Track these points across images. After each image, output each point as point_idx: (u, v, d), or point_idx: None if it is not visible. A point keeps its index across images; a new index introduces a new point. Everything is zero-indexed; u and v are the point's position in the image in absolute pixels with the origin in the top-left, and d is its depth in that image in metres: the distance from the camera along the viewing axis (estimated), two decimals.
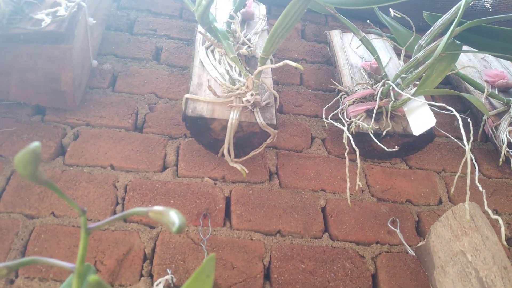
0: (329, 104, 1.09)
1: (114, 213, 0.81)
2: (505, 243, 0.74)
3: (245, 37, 1.05)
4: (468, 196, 0.69)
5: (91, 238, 0.76)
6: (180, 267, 0.74)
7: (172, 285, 0.69)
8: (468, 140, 0.75)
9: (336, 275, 0.80)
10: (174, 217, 0.39)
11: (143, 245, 0.77)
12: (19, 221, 0.76)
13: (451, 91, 0.95)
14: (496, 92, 1.17)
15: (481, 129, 1.13)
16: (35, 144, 0.35)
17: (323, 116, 1.07)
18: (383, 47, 1.28)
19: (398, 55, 1.22)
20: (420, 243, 0.76)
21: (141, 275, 0.74)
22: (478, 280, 0.63)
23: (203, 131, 0.86)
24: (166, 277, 0.67)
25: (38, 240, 0.74)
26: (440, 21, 0.95)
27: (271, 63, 0.98)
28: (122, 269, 0.73)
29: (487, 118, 1.11)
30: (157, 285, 0.65)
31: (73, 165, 0.87)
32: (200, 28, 1.02)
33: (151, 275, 0.74)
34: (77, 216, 0.79)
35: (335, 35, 1.33)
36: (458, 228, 0.70)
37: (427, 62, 0.93)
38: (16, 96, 0.89)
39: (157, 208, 0.42)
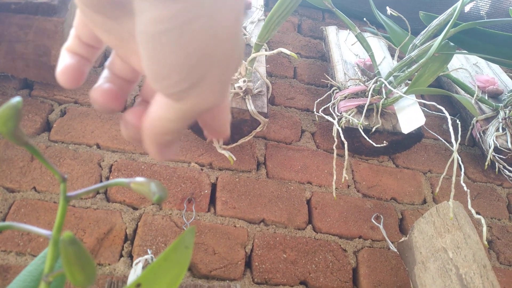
0: (321, 98, 1.09)
1: (98, 192, 0.80)
2: (485, 242, 0.75)
3: None
4: (452, 194, 0.70)
5: (72, 216, 0.75)
6: (161, 249, 0.74)
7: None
8: (456, 139, 0.76)
9: (317, 266, 0.80)
10: (155, 187, 0.39)
11: (125, 225, 0.76)
12: None
13: (443, 91, 0.96)
14: (486, 98, 1.18)
15: (469, 133, 1.14)
16: (16, 99, 0.34)
17: (314, 109, 1.07)
18: (378, 46, 1.29)
19: (392, 55, 1.23)
20: (403, 239, 0.77)
21: (121, 255, 0.73)
22: (458, 276, 0.64)
23: None
24: (146, 256, 0.66)
25: (17, 214, 0.73)
26: (435, 22, 0.96)
27: (266, 51, 0.97)
28: (102, 248, 0.72)
29: (476, 122, 1.12)
30: (136, 263, 0.64)
31: (58, 141, 0.86)
32: None
33: (131, 256, 0.73)
34: (59, 193, 0.77)
35: (331, 31, 1.33)
36: (441, 225, 0.70)
37: (420, 61, 0.93)
38: (4, 68, 0.87)
39: (139, 179, 0.42)
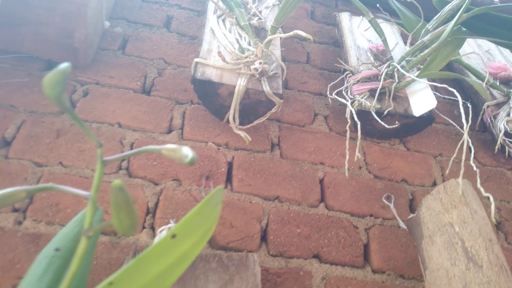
0: (334, 82, 1.11)
1: (120, 168, 0.83)
2: (494, 219, 0.77)
3: (256, 9, 1.07)
4: (462, 172, 0.72)
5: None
6: None
7: None
8: (466, 120, 0.78)
9: (330, 241, 0.83)
10: (187, 151, 0.42)
11: (147, 199, 0.80)
12: (28, 168, 0.79)
13: (455, 74, 0.97)
14: (498, 84, 1.19)
15: (479, 118, 1.16)
16: (65, 64, 0.37)
17: (328, 93, 1.09)
18: (390, 32, 1.30)
19: (405, 42, 1.24)
20: (411, 215, 0.79)
21: (143, 227, 0.77)
22: (463, 249, 0.66)
23: (211, 96, 0.89)
24: (169, 225, 0.70)
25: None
26: (448, 7, 0.97)
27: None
28: None
29: (487, 107, 1.13)
30: (160, 231, 0.68)
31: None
32: None
33: (152, 228, 0.77)
34: (84, 167, 0.81)
35: (344, 17, 1.34)
36: (448, 201, 0.73)
37: (432, 46, 0.95)
38: (29, 49, 0.91)
39: (170, 146, 0.45)
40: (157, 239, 0.67)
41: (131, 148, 0.87)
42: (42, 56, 0.93)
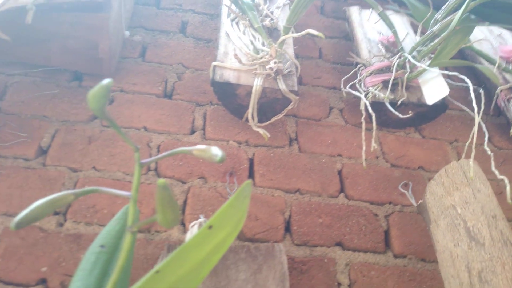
0: (347, 75, 1.14)
1: (149, 169, 0.89)
2: (510, 200, 0.80)
3: (268, 10, 1.11)
4: (473, 154, 0.75)
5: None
6: (210, 216, 0.82)
7: None
8: (478, 106, 0.80)
9: (351, 229, 0.87)
10: (216, 150, 0.46)
11: (176, 197, 0.85)
12: (64, 173, 0.85)
13: (465, 62, 1.00)
14: (510, 68, 1.21)
15: (493, 102, 1.18)
16: (108, 80, 0.42)
17: (342, 86, 1.12)
18: (400, 23, 1.32)
19: (415, 31, 1.26)
20: (420, 201, 0.82)
21: None
22: (466, 229, 0.69)
23: (229, 97, 0.93)
24: (199, 220, 0.75)
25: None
26: None
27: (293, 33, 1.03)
28: None
29: (500, 92, 1.15)
30: (192, 226, 0.73)
31: (110, 126, 0.95)
32: (225, 1, 1.08)
33: (183, 224, 0.82)
34: (116, 171, 0.87)
35: (354, 11, 1.37)
36: (450, 184, 0.76)
37: (442, 35, 0.97)
38: (57, 62, 0.97)
39: (200, 146, 0.49)
40: (188, 234, 0.72)
41: (158, 150, 0.92)
42: (69, 68, 0.99)
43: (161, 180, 0.37)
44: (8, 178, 0.82)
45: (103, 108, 0.44)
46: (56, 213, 0.80)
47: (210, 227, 0.41)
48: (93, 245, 0.56)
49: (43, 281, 0.72)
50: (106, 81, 0.42)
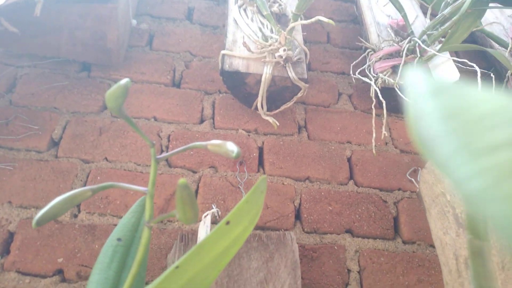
0: (356, 61, 1.13)
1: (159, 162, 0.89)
2: None
3: None
4: None
5: (141, 180, 0.85)
6: (221, 206, 0.83)
7: (218, 217, 0.78)
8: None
9: (361, 216, 0.88)
10: (232, 146, 0.47)
11: None
12: (77, 165, 0.86)
13: (476, 46, 0.98)
14: None
15: (504, 85, 1.16)
16: (126, 80, 0.42)
17: (351, 72, 1.11)
18: (410, 5, 1.30)
19: (425, 13, 1.24)
20: (417, 190, 0.83)
21: None
22: (454, 216, 0.69)
23: (239, 85, 0.93)
24: (212, 210, 0.76)
25: (94, 181, 0.84)
26: None
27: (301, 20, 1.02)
28: (170, 207, 0.82)
29: (510, 75, 1.14)
30: (205, 216, 0.74)
31: (120, 116, 0.95)
32: None
33: (195, 199, 0.83)
34: (127, 161, 0.88)
35: None
36: (440, 172, 0.76)
37: (453, 19, 0.96)
38: (66, 53, 0.97)
39: (215, 141, 0.50)
40: (201, 224, 0.73)
41: (169, 140, 0.93)
42: (78, 59, 0.99)
43: (182, 180, 0.38)
44: (22, 171, 0.83)
45: (120, 107, 0.44)
46: None
47: (227, 222, 0.42)
48: (110, 239, 0.57)
49: (60, 271, 0.74)
50: (124, 81, 0.43)
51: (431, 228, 0.75)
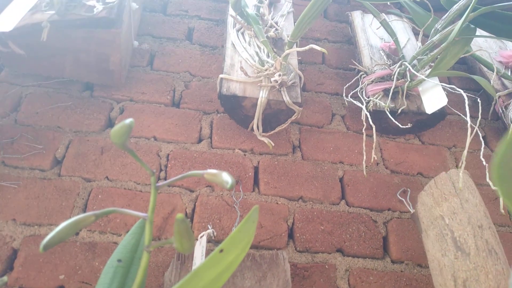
0: (349, 83, 1.17)
1: (159, 178, 0.93)
2: (502, 211, 0.83)
3: (272, 20, 1.14)
4: (463, 165, 0.79)
5: (141, 199, 0.88)
6: (217, 225, 0.87)
7: (213, 237, 0.81)
8: (475, 113, 0.84)
9: (351, 236, 0.91)
10: (227, 177, 0.50)
11: (185, 205, 0.89)
12: (79, 184, 0.89)
13: (462, 73, 1.02)
14: (509, 73, 1.23)
15: (492, 108, 1.21)
16: (130, 120, 0.46)
17: (344, 94, 1.15)
18: (402, 28, 1.35)
19: (417, 35, 1.29)
20: (413, 211, 0.86)
21: None
22: (453, 239, 0.73)
23: (236, 108, 0.97)
24: (208, 231, 0.79)
25: (96, 200, 0.87)
26: (455, 7, 1.02)
27: (297, 46, 1.06)
28: (168, 225, 0.86)
29: (498, 98, 1.18)
30: (201, 237, 0.77)
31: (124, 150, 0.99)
32: (231, 12, 1.11)
33: (192, 231, 0.86)
34: (128, 180, 0.91)
35: (357, 16, 1.39)
36: (439, 195, 0.79)
37: (442, 45, 1.00)
38: (70, 74, 1.01)
39: (211, 170, 0.53)
40: (197, 244, 0.76)
41: (167, 159, 0.96)
42: (81, 79, 1.03)
43: (180, 215, 0.41)
44: (26, 189, 0.87)
45: (124, 143, 0.48)
46: None
47: (221, 250, 0.45)
48: (111, 260, 0.61)
49: None
50: (128, 120, 0.46)
51: (428, 249, 0.78)
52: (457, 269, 0.69)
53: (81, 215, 0.54)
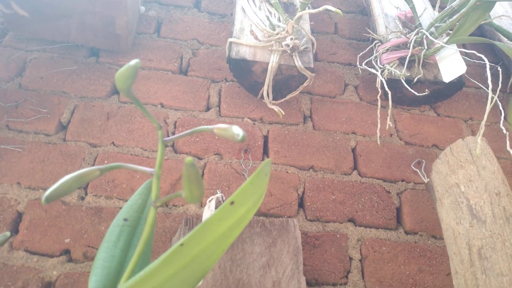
0: (363, 52, 1.13)
1: (166, 145, 0.90)
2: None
3: None
4: (482, 130, 0.75)
5: (148, 165, 0.86)
6: (226, 192, 0.84)
7: (222, 202, 0.79)
8: (495, 84, 0.80)
9: (364, 206, 0.89)
10: (238, 130, 0.47)
11: None
12: (84, 149, 0.87)
13: (484, 39, 0.98)
14: None
15: (511, 80, 1.16)
16: (135, 60, 0.43)
17: (357, 63, 1.11)
18: None
19: (433, 6, 1.24)
20: (427, 180, 0.83)
21: None
22: (468, 207, 0.69)
23: (245, 73, 0.93)
24: (217, 195, 0.77)
25: (102, 165, 0.85)
26: None
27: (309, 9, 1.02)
28: (175, 192, 0.84)
29: None
30: (209, 201, 0.75)
31: (127, 102, 0.97)
32: None
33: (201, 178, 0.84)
34: (134, 146, 0.89)
35: None
36: (455, 163, 0.76)
37: (461, 11, 0.96)
38: (76, 38, 0.98)
39: (221, 125, 0.51)
40: (206, 208, 0.74)
41: (175, 127, 0.94)
42: (86, 44, 1.00)
43: (189, 159, 0.39)
44: (30, 153, 0.85)
45: (129, 88, 0.45)
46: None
47: (232, 202, 0.43)
48: (117, 219, 0.58)
49: (67, 251, 0.76)
50: (133, 61, 0.43)
51: (442, 218, 0.75)
52: (472, 237, 0.66)
53: (86, 169, 0.52)
